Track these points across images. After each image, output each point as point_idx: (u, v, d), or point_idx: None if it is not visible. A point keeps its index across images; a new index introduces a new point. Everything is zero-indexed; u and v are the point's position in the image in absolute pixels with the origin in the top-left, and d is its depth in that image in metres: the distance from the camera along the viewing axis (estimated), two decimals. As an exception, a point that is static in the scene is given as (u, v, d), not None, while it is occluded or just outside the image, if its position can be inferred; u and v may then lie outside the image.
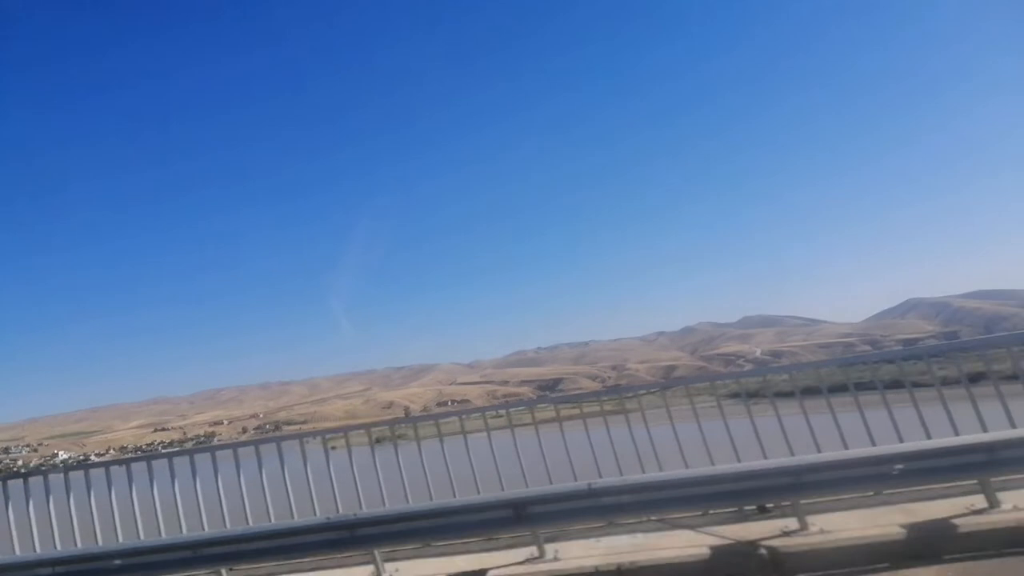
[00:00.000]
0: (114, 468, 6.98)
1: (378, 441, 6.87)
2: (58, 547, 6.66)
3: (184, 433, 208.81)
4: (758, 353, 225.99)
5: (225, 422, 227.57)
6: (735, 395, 7.02)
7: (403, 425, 7.22)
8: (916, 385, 6.30)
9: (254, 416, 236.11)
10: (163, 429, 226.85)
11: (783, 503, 5.64)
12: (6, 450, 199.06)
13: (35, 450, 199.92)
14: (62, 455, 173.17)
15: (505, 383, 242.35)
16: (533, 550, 5.71)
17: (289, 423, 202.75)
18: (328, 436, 7.28)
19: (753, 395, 6.80)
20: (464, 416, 7.21)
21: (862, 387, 6.43)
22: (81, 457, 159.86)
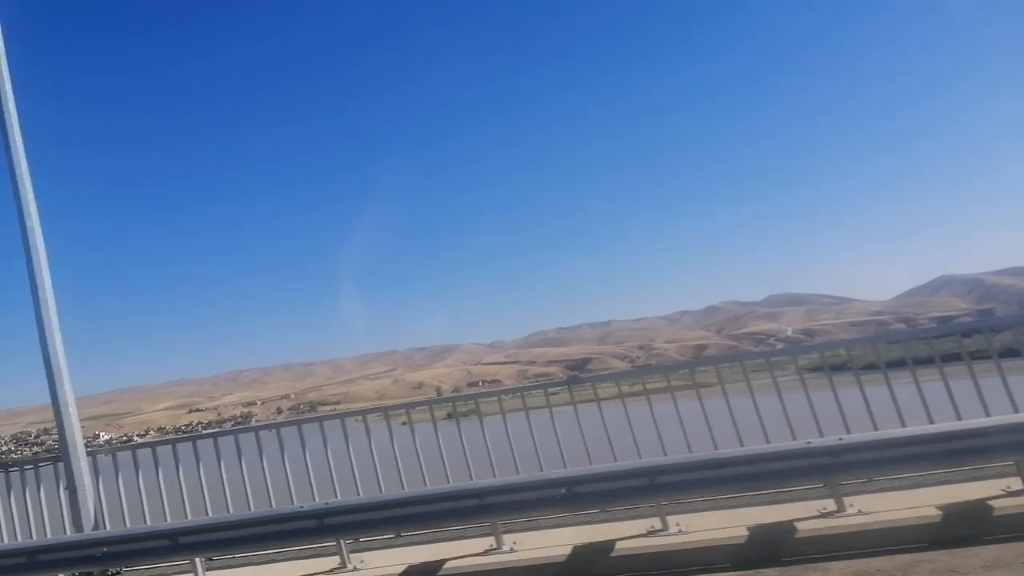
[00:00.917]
0: (161, 448, 7.32)
1: (448, 416, 7.11)
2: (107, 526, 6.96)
3: (219, 413, 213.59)
4: (789, 332, 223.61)
5: (258, 402, 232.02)
6: (817, 368, 6.88)
7: (468, 401, 7.40)
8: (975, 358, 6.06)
9: (285, 397, 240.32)
10: (197, 410, 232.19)
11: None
12: (46, 431, 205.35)
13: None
14: (103, 436, 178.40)
15: (532, 363, 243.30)
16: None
17: (323, 403, 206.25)
18: (391, 412, 7.42)
19: (838, 368, 6.71)
20: (525, 394, 7.38)
21: (920, 363, 6.32)
22: (124, 438, 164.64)
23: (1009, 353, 5.98)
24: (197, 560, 6.14)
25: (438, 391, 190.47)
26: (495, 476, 6.34)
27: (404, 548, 6.28)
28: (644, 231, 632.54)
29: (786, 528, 5.11)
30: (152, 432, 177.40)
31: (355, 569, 5.93)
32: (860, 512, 5.13)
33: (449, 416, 7.14)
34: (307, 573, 6.08)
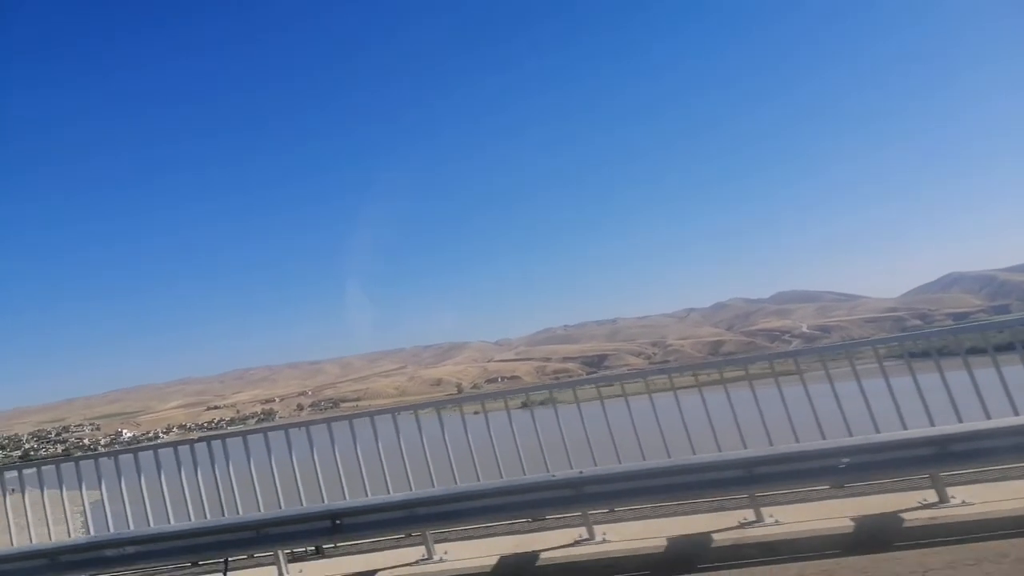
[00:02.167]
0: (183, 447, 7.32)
1: (523, 405, 7.29)
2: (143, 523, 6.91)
3: (237, 411, 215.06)
4: (804, 328, 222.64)
5: (277, 399, 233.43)
6: (897, 356, 6.89)
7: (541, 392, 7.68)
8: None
9: (302, 394, 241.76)
10: (215, 407, 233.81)
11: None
12: (66, 428, 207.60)
13: (98, 428, 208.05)
14: (127, 433, 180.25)
15: (547, 360, 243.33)
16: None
17: (344, 400, 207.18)
18: (440, 407, 7.49)
19: (917, 355, 6.73)
20: (577, 387, 7.52)
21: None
22: (149, 434, 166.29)
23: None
24: (279, 553, 6.16)
25: (459, 387, 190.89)
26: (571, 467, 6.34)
27: (487, 539, 6.26)
28: (648, 228, 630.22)
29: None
30: (175, 429, 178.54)
31: (440, 560, 5.87)
32: (964, 503, 5.15)
33: (524, 405, 7.42)
34: (392, 564, 6.07)
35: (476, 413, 7.33)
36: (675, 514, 6.04)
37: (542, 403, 7.27)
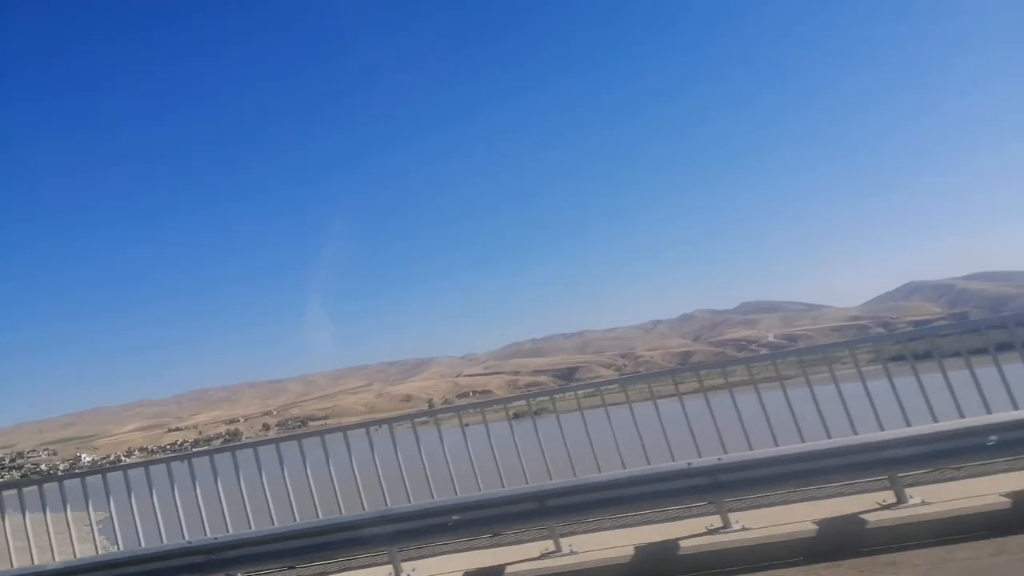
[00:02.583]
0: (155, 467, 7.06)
1: (516, 416, 7.30)
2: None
3: (200, 432, 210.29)
4: (771, 337, 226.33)
5: (241, 419, 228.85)
6: (899, 357, 7.02)
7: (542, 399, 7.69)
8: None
9: (267, 413, 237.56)
10: (176, 429, 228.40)
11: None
12: (20, 455, 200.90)
13: (54, 454, 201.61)
14: (86, 458, 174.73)
15: (516, 373, 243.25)
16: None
17: (311, 419, 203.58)
18: (439, 417, 7.45)
19: (920, 357, 6.85)
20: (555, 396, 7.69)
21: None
22: (110, 458, 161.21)
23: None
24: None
25: (429, 403, 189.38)
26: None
27: (457, 554, 6.17)
28: (612, 241, 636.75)
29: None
30: (136, 452, 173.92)
31: None
32: (923, 502, 5.21)
33: (516, 416, 7.39)
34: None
35: (467, 426, 7.25)
36: (643, 523, 6.03)
37: (536, 413, 7.16)
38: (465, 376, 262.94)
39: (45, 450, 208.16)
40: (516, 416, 7.32)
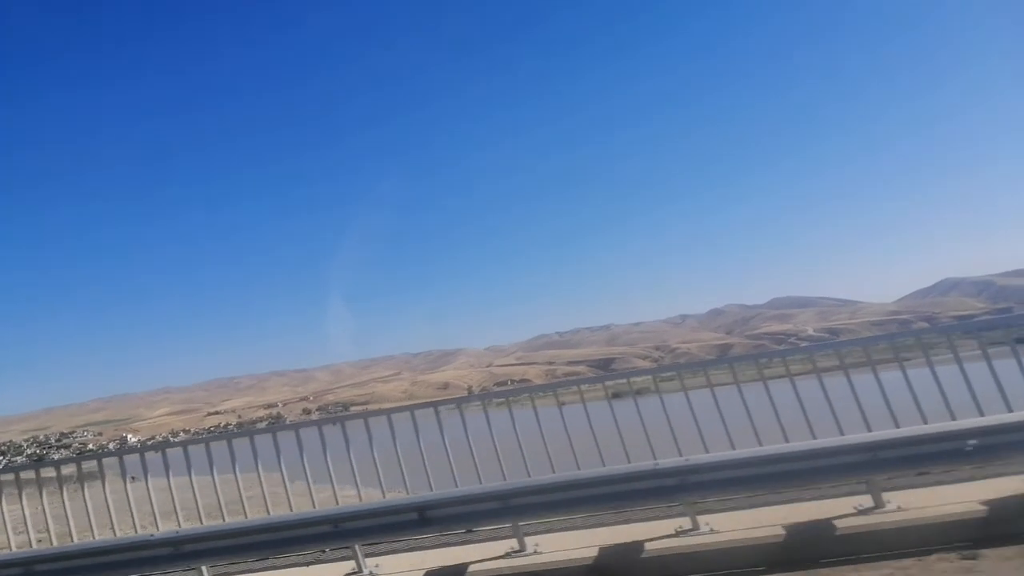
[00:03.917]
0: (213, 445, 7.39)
1: (615, 396, 7.31)
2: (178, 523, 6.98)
3: (239, 416, 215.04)
4: (811, 331, 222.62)
5: (280, 404, 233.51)
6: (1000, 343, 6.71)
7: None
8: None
9: (305, 399, 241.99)
10: (216, 412, 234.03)
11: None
12: (64, 434, 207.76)
13: (100, 434, 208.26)
14: (132, 438, 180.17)
15: (550, 364, 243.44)
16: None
17: (353, 403, 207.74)
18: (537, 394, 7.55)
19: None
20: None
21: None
22: (159, 438, 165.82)
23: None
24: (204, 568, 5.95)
25: (469, 390, 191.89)
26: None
27: (421, 552, 6.12)
28: (639, 236, 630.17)
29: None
30: (182, 433, 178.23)
31: (370, 574, 5.71)
32: (900, 508, 5.05)
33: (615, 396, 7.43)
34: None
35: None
36: (620, 523, 5.92)
37: (638, 392, 7.32)
38: (498, 366, 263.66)
39: (86, 431, 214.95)
40: (615, 396, 7.32)
